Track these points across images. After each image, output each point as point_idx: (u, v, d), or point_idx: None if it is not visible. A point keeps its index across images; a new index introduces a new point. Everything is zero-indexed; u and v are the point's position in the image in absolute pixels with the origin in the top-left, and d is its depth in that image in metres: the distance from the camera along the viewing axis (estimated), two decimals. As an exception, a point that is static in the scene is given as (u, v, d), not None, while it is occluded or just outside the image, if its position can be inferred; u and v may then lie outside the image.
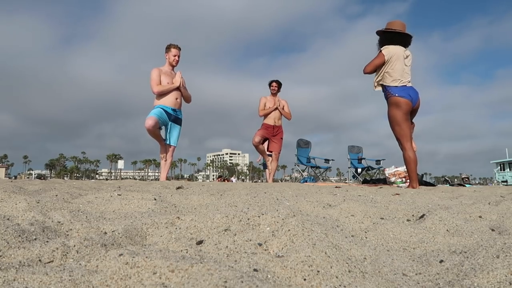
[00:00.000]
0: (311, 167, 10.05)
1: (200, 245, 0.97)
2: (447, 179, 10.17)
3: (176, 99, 4.94)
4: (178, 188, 2.81)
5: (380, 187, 3.79)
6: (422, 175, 5.88)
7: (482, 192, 3.24)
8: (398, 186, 4.54)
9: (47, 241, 0.92)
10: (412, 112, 4.12)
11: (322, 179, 10.19)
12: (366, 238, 1.16)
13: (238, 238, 0.99)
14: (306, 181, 9.21)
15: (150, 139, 4.91)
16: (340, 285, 0.73)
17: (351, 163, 10.47)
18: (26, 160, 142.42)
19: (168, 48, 5.01)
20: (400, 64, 4.00)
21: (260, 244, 0.96)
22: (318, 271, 0.76)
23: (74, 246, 0.88)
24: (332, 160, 10.57)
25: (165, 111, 4.84)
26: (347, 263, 0.83)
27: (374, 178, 7.66)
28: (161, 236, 1.09)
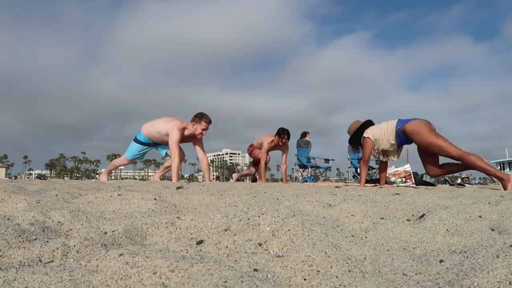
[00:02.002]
0: (311, 167, 10.05)
1: (200, 245, 0.97)
2: (447, 179, 10.14)
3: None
4: (178, 188, 2.81)
5: (380, 187, 3.79)
6: (422, 175, 5.88)
7: (482, 192, 3.24)
8: (398, 186, 4.54)
9: (47, 241, 0.92)
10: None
11: (322, 179, 10.19)
12: (366, 238, 1.16)
13: (238, 238, 0.99)
14: (306, 181, 9.21)
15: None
16: (340, 285, 0.73)
17: (351, 163, 10.47)
18: (26, 160, 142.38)
19: (199, 118, 4.88)
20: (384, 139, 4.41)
21: (260, 244, 0.96)
22: (318, 271, 0.76)
23: (74, 246, 0.88)
24: (332, 160, 10.58)
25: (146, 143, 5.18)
26: (347, 263, 0.83)
27: (374, 178, 7.66)
28: (161, 236, 1.09)
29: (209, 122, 4.94)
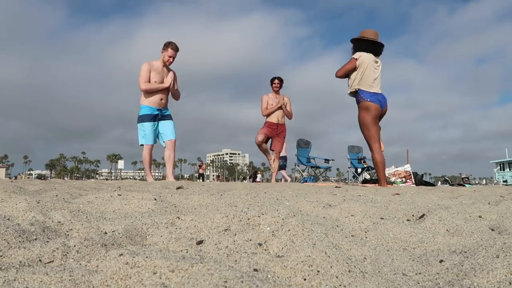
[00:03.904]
0: (311, 167, 10.05)
1: (200, 245, 0.97)
2: (447, 179, 10.16)
3: (161, 100, 4.87)
4: (178, 188, 2.81)
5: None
6: (422, 175, 5.88)
7: (482, 192, 3.24)
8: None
9: (48, 241, 0.92)
10: (380, 116, 4.42)
11: (322, 179, 10.20)
12: (366, 238, 1.16)
13: (238, 238, 0.99)
14: (306, 181, 9.21)
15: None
16: (340, 285, 0.73)
17: (351, 163, 10.48)
18: (26, 160, 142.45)
19: (166, 46, 4.86)
20: (371, 71, 4.28)
21: (260, 244, 0.96)
22: (318, 271, 0.76)
23: (75, 246, 0.88)
24: (332, 160, 10.58)
25: (151, 115, 4.83)
26: (347, 263, 0.83)
27: (374, 178, 7.66)
28: (161, 236, 1.09)
29: (175, 48, 4.86)
